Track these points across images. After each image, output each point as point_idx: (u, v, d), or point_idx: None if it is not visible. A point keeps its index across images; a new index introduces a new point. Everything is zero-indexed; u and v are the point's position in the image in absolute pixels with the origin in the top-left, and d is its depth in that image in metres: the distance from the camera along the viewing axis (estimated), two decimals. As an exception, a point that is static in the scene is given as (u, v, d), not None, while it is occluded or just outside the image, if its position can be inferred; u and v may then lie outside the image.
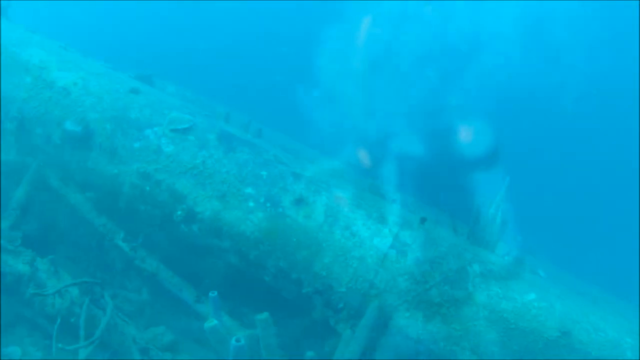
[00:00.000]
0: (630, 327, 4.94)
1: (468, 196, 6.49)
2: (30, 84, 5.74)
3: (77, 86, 5.59)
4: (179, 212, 5.02)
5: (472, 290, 4.92)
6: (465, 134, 6.84)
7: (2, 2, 6.68)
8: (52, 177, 5.75)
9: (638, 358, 4.71)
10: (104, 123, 5.34)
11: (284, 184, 5.04)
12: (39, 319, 5.32)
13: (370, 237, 4.93)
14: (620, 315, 5.35)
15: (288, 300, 5.18)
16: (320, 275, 4.88)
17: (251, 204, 4.93)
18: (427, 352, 4.80)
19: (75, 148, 5.45)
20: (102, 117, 5.36)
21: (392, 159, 6.69)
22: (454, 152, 6.91)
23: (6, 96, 5.85)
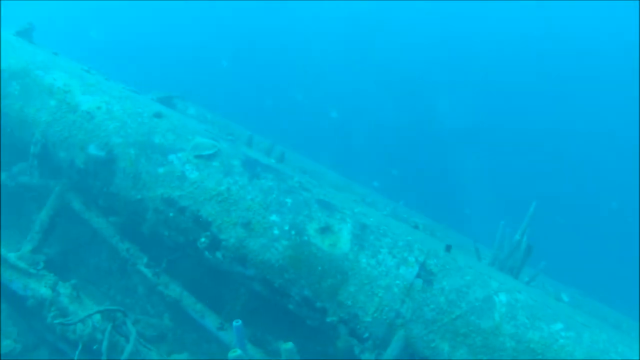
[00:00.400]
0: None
1: None
2: (54, 107, 5.74)
3: (100, 110, 5.58)
4: (203, 239, 4.98)
5: (498, 320, 4.84)
6: None
7: (27, 25, 6.70)
8: (75, 201, 5.75)
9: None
10: (127, 148, 5.33)
11: (309, 211, 4.99)
12: (61, 343, 5.31)
13: (397, 265, 4.88)
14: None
15: (312, 328, 5.13)
16: (345, 305, 4.82)
17: (276, 231, 4.89)
18: (454, 383, 4.73)
19: (98, 172, 5.44)
20: (125, 142, 5.35)
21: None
22: None
23: (30, 119, 5.86)
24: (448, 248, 5.21)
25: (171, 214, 5.12)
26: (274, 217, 4.92)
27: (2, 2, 31.47)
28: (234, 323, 4.62)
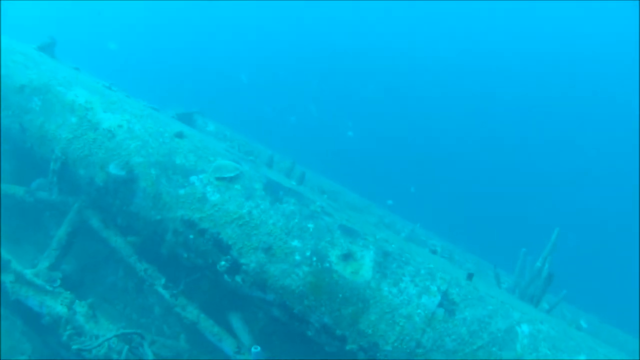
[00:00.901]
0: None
1: None
2: (75, 124, 5.72)
3: (122, 129, 5.55)
4: (223, 263, 4.93)
5: (520, 351, 4.76)
6: None
7: (48, 40, 6.70)
8: (93, 218, 5.71)
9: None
10: (148, 168, 5.29)
11: (331, 237, 4.93)
12: (76, 363, 5.27)
13: (419, 294, 4.80)
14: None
15: (330, 354, 5.06)
16: (365, 333, 4.75)
17: (297, 257, 4.83)
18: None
19: (118, 192, 5.40)
20: (146, 162, 5.31)
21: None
22: None
23: (50, 135, 5.84)
24: (470, 276, 5.13)
25: (191, 236, 5.07)
26: (295, 243, 4.86)
27: (1, 2, 31.82)
28: (253, 349, 4.56)
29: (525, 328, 4.90)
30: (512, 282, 6.10)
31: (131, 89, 6.90)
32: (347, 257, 4.83)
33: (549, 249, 5.90)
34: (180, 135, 5.48)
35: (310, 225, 4.97)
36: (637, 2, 32.51)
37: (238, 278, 4.96)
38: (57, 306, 5.42)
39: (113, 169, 5.36)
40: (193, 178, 5.19)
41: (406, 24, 31.91)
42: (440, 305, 4.79)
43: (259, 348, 4.57)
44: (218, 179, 5.14)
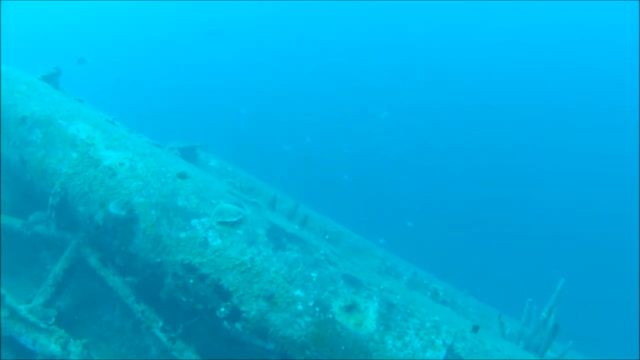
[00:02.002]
0: None
1: None
2: (76, 160, 5.62)
3: (123, 167, 5.46)
4: (223, 309, 4.81)
5: (526, 408, 4.63)
6: None
7: (53, 70, 6.63)
8: (91, 256, 5.59)
9: None
10: (149, 209, 5.18)
11: (335, 287, 4.81)
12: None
13: (423, 348, 4.67)
14: None
15: (330, 406, 4.92)
16: (368, 387, 4.62)
17: (300, 307, 4.71)
18: None
19: (117, 231, 5.29)
20: (147, 203, 5.21)
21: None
22: None
23: (51, 169, 5.75)
24: (475, 329, 5.01)
25: (191, 281, 4.96)
26: (298, 292, 4.74)
27: (1, 2, 31.89)
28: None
29: (531, 384, 4.79)
30: (517, 331, 5.98)
31: (133, 121, 6.82)
32: (350, 308, 4.71)
33: (555, 299, 5.79)
34: (182, 175, 5.38)
35: (314, 275, 4.86)
36: (637, 2, 32.73)
37: (238, 325, 4.83)
38: (50, 345, 5.30)
39: (113, 208, 5.25)
40: (195, 221, 5.08)
41: (400, 50, 32.12)
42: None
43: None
44: (220, 223, 5.04)
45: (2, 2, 32.21)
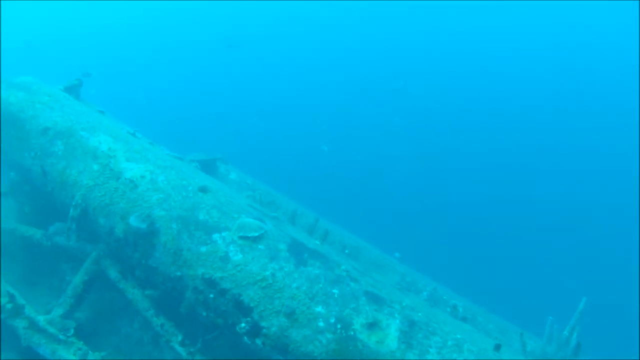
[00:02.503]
0: None
1: None
2: (97, 172, 5.63)
3: (144, 180, 5.46)
4: (243, 325, 4.78)
5: None
6: None
7: (75, 81, 6.66)
8: (111, 269, 5.59)
9: None
10: (170, 222, 5.17)
11: (357, 304, 4.77)
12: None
13: (445, 367, 4.62)
14: None
15: None
16: (389, 406, 4.56)
17: (321, 323, 4.67)
18: None
19: (138, 244, 5.28)
20: (168, 216, 5.20)
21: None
22: None
23: (72, 181, 5.76)
24: (497, 347, 4.95)
25: (211, 295, 4.93)
26: (319, 309, 4.71)
27: (1, 2, 32.26)
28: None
29: (554, 405, 4.70)
30: (538, 349, 5.90)
31: (154, 132, 6.83)
32: (372, 325, 4.67)
33: (577, 318, 5.71)
34: (204, 189, 5.37)
35: (335, 291, 4.82)
36: (637, 2, 32.54)
37: (258, 341, 4.80)
38: (69, 356, 5.30)
39: (134, 221, 5.24)
40: (216, 236, 5.06)
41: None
42: (467, 379, 4.61)
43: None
44: (241, 238, 5.01)
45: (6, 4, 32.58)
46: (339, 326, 4.66)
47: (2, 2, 32.71)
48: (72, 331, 5.53)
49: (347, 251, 7.21)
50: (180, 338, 5.23)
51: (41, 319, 5.53)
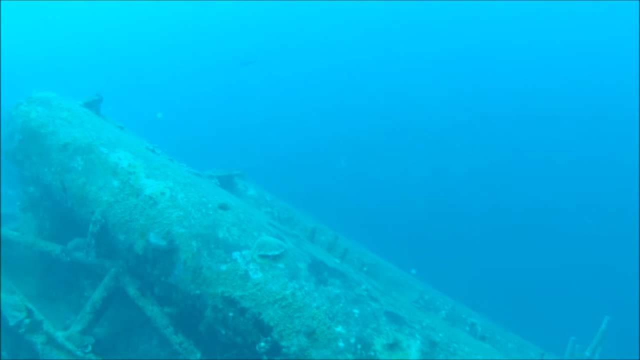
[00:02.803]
0: None
1: None
2: (117, 188, 5.65)
3: (164, 196, 5.46)
4: (263, 344, 4.76)
5: None
6: None
7: (95, 96, 6.70)
8: (130, 286, 5.59)
9: None
10: (190, 240, 5.17)
11: (377, 324, 4.74)
12: None
13: (467, 389, 4.57)
14: None
15: None
16: None
17: (341, 344, 4.64)
18: None
19: (157, 261, 5.29)
20: (188, 233, 5.20)
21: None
22: None
23: (91, 197, 5.78)
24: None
25: (231, 314, 4.92)
26: (339, 329, 4.68)
27: (1, 2, 32.62)
28: None
29: None
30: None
31: (172, 146, 6.85)
32: (392, 346, 4.63)
33: (599, 339, 5.64)
34: (224, 207, 5.37)
35: (356, 311, 4.79)
36: (637, 2, 32.38)
37: (277, 360, 4.77)
38: (87, 373, 5.29)
39: (153, 238, 5.25)
40: (236, 254, 5.05)
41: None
42: (489, 402, 4.56)
43: None
44: (262, 256, 5.00)
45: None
46: (359, 346, 4.63)
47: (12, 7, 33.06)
48: (90, 347, 5.54)
49: (365, 269, 7.19)
50: (198, 356, 5.22)
51: (60, 335, 5.55)
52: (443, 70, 33.77)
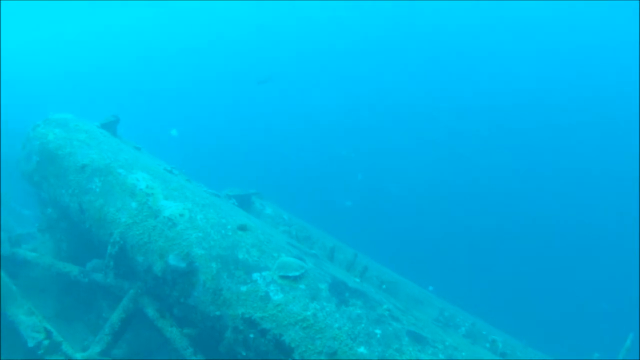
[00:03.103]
0: None
1: None
2: (135, 209, 5.66)
3: (183, 218, 5.46)
4: (284, 366, 4.73)
5: None
6: None
7: (112, 117, 6.74)
8: (149, 307, 5.58)
9: None
10: (209, 261, 5.16)
11: (399, 344, 4.70)
12: None
13: (491, 410, 4.52)
14: None
15: None
16: None
17: (363, 365, 4.60)
18: None
19: (176, 283, 5.28)
20: (208, 255, 5.19)
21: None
22: None
23: (109, 218, 5.79)
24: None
25: (251, 335, 4.89)
26: (362, 349, 4.64)
27: (1, 2, 32.94)
28: None
29: None
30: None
31: (187, 163, 6.87)
32: (416, 367, 4.59)
33: (623, 355, 5.56)
34: (243, 228, 5.36)
35: (378, 331, 4.76)
36: (637, 2, 32.31)
37: (299, 382, 4.74)
38: (106, 395, 5.27)
39: (172, 260, 5.25)
40: (256, 275, 5.04)
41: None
42: (514, 422, 4.50)
43: None
44: (282, 277, 4.99)
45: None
46: (382, 367, 4.59)
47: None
48: (108, 369, 5.53)
49: (384, 286, 7.15)
50: (219, 377, 5.19)
51: (78, 356, 5.53)
52: (449, 79, 33.82)
